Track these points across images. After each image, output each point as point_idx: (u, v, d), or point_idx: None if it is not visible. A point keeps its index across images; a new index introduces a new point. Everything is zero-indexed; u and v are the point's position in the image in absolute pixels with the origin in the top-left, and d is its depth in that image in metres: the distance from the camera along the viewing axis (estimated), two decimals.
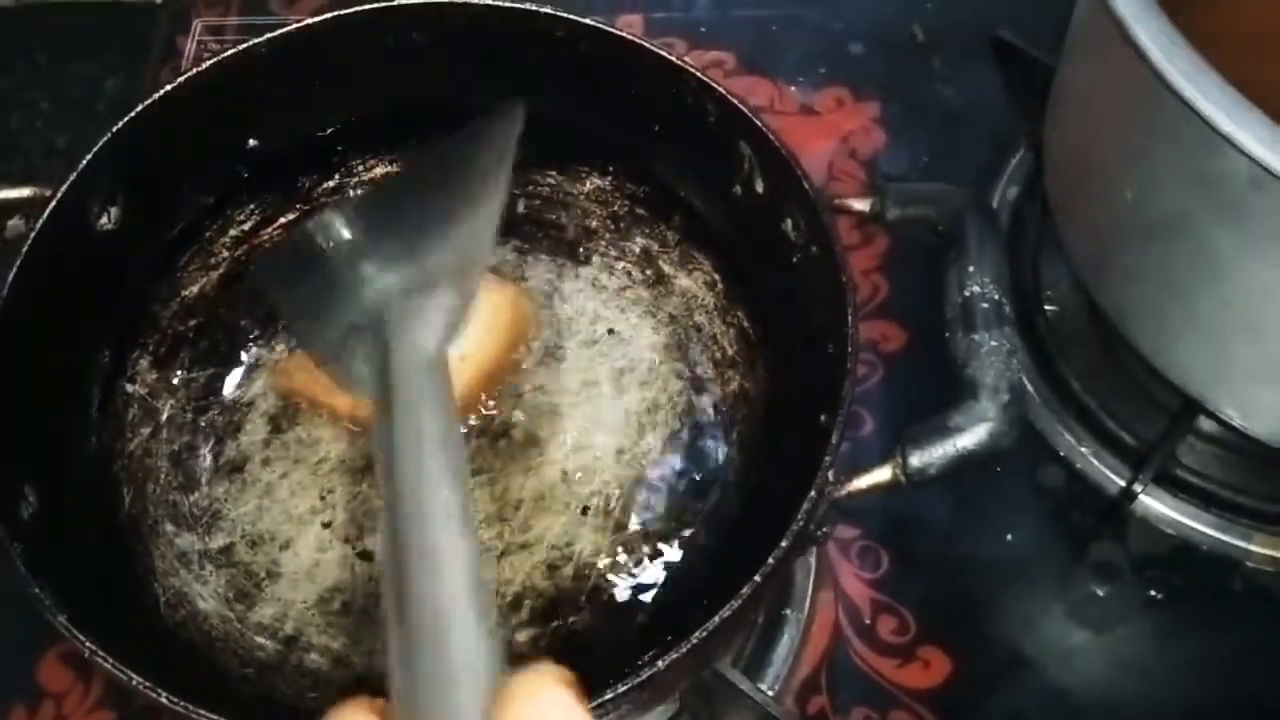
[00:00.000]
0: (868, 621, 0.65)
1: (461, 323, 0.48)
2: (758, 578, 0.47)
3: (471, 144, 0.54)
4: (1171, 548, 0.67)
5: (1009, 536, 0.68)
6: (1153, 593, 0.66)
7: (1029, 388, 0.70)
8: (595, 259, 0.67)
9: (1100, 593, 0.66)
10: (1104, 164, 0.58)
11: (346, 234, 0.50)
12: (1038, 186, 0.75)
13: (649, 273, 0.67)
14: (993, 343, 0.52)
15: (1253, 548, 0.66)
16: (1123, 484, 0.67)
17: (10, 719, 0.63)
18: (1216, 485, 0.67)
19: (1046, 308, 0.72)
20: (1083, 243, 0.63)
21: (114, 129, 0.58)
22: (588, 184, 0.68)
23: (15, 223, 0.59)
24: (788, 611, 0.64)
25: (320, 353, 0.50)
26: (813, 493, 0.49)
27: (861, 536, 0.68)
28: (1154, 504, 0.67)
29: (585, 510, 0.60)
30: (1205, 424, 0.68)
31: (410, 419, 0.41)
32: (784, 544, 0.48)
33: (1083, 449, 0.69)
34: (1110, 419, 0.68)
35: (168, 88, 0.59)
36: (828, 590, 0.66)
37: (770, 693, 0.61)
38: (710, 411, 0.63)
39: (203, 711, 0.46)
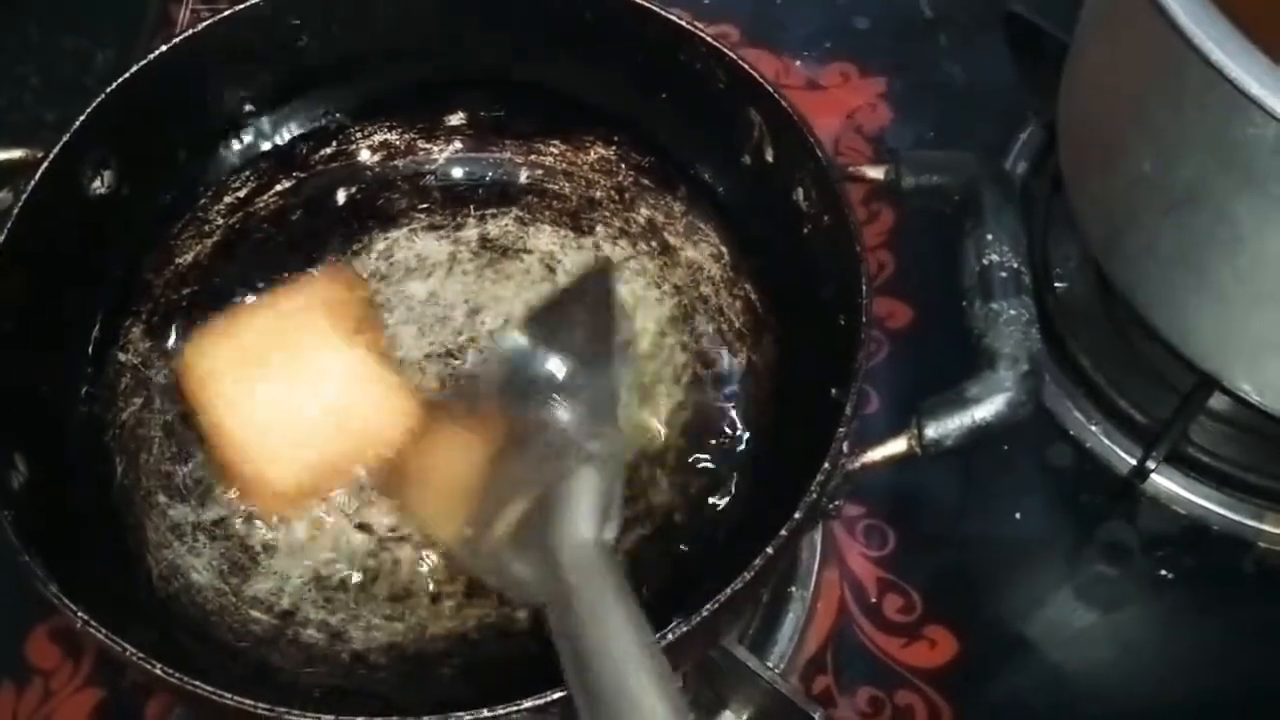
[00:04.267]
0: (873, 600, 0.64)
1: (614, 505, 0.49)
2: (770, 550, 0.46)
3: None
4: (1182, 528, 0.66)
5: (1017, 515, 0.67)
6: (1163, 573, 0.65)
7: None
8: (599, 229, 0.66)
9: (1110, 573, 0.65)
10: (1122, 135, 0.57)
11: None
12: (1046, 163, 0.74)
13: (654, 244, 0.66)
14: (1011, 311, 0.51)
15: (1264, 527, 0.65)
16: (1133, 463, 0.66)
17: None
18: (1228, 465, 0.66)
19: (1056, 285, 0.71)
20: (1096, 217, 0.62)
21: (107, 90, 0.57)
22: (592, 153, 0.66)
23: (4, 195, 0.58)
24: (793, 589, 0.64)
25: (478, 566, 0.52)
26: (826, 464, 0.48)
27: (868, 514, 0.67)
28: (1165, 483, 0.66)
29: None
30: (1217, 403, 0.67)
31: (598, 615, 0.44)
32: (797, 516, 0.47)
33: (1093, 428, 0.68)
34: (1121, 398, 0.67)
35: (162, 49, 0.58)
36: (833, 568, 0.65)
37: (775, 671, 0.60)
38: (716, 385, 0.62)
39: (197, 683, 0.45)
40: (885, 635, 0.63)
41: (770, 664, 0.60)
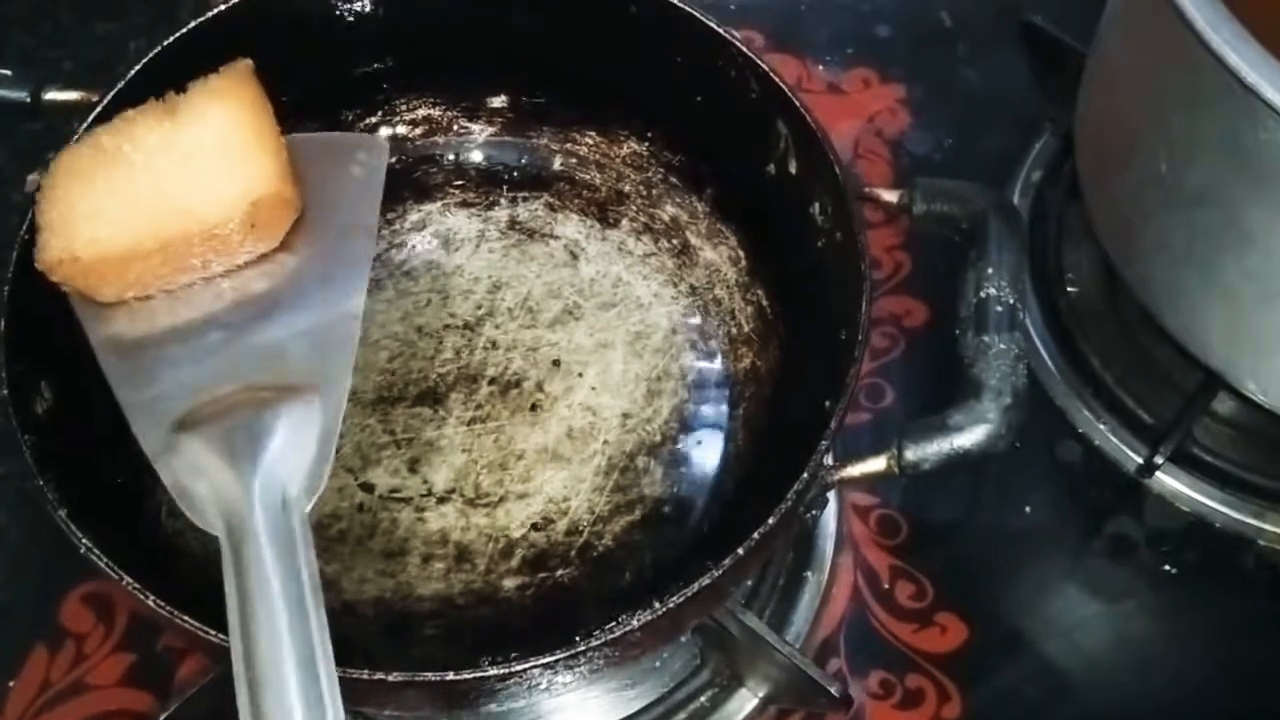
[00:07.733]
0: (886, 586, 0.66)
1: (325, 461, 0.43)
2: (740, 551, 0.47)
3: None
4: (1186, 524, 0.68)
5: (1027, 509, 0.68)
6: (1166, 567, 0.67)
7: (1049, 364, 0.71)
8: (624, 223, 0.68)
9: (1115, 566, 0.67)
10: (1139, 138, 0.59)
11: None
12: (1061, 170, 0.76)
13: (675, 242, 0.67)
14: (1001, 345, 0.53)
15: (1265, 526, 0.67)
16: (1139, 460, 0.67)
17: (33, 659, 0.64)
18: (1232, 465, 0.68)
19: (1069, 289, 0.73)
20: (1110, 215, 0.64)
21: (165, 43, 0.58)
22: (625, 147, 0.68)
23: (34, 177, 0.58)
24: (809, 574, 0.65)
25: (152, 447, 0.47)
26: (805, 474, 0.49)
27: (881, 505, 0.68)
28: (1170, 482, 0.68)
29: (586, 468, 0.60)
30: (1222, 406, 0.68)
31: (269, 589, 0.41)
32: (770, 521, 0.48)
33: (1100, 425, 0.70)
34: (1128, 397, 0.69)
35: (221, 7, 0.59)
36: (848, 555, 0.67)
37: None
38: (720, 385, 0.63)
39: (186, 617, 0.46)
40: (897, 620, 0.65)
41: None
